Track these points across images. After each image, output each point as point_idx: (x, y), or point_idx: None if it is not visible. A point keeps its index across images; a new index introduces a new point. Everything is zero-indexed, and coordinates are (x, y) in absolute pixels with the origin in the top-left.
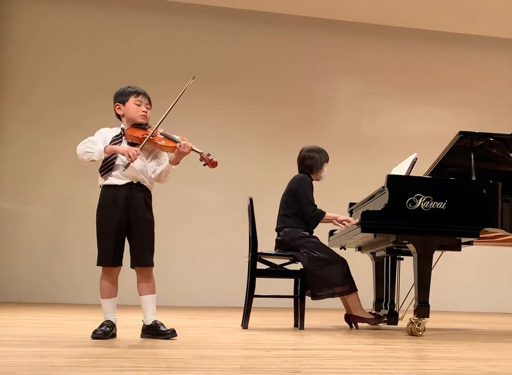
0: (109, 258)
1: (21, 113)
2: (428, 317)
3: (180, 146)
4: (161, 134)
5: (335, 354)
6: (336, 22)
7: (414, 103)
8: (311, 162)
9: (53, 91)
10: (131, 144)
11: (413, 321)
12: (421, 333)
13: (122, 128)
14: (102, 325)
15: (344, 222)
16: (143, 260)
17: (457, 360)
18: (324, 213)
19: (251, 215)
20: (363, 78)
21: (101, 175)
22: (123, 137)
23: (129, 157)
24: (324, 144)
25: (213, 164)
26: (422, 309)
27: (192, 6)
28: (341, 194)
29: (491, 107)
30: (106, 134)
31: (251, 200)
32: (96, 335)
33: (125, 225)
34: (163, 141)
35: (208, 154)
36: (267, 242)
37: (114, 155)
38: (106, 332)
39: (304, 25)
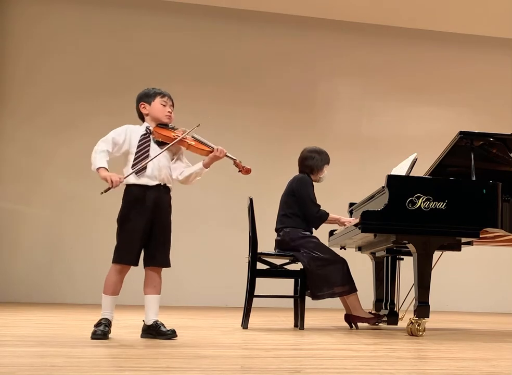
0: (132, 257)
1: (20, 112)
2: (428, 317)
3: (217, 150)
4: (192, 136)
5: (335, 354)
6: (336, 22)
7: (414, 103)
8: (311, 163)
9: (52, 91)
10: (160, 143)
11: (413, 321)
12: (421, 333)
13: (147, 127)
14: (99, 324)
15: (345, 223)
16: (164, 260)
17: (457, 360)
18: (328, 214)
19: (251, 215)
20: (363, 78)
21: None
22: (150, 136)
23: (112, 182)
24: (325, 144)
25: (247, 171)
26: (422, 309)
27: (192, 6)
28: (341, 194)
29: (491, 107)
30: (132, 131)
31: (251, 200)
32: (96, 336)
33: (150, 226)
34: (199, 144)
35: (240, 162)
36: (267, 242)
37: (146, 155)
38: (105, 332)
39: (304, 25)
